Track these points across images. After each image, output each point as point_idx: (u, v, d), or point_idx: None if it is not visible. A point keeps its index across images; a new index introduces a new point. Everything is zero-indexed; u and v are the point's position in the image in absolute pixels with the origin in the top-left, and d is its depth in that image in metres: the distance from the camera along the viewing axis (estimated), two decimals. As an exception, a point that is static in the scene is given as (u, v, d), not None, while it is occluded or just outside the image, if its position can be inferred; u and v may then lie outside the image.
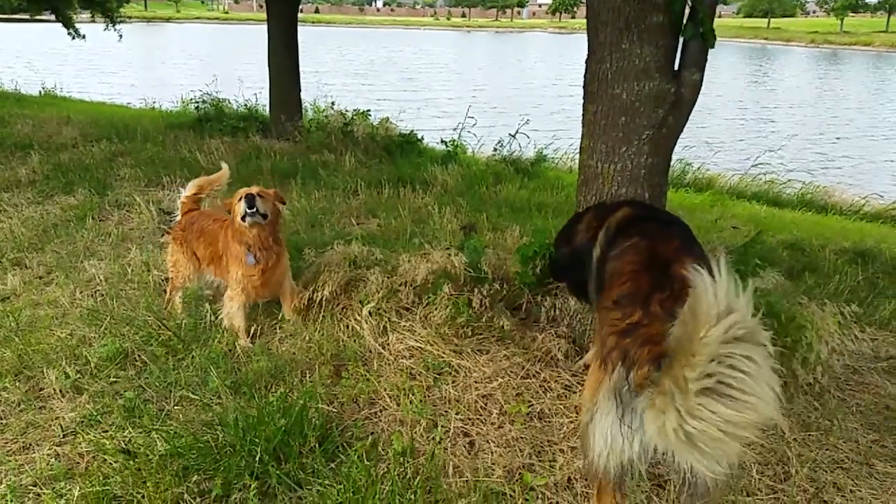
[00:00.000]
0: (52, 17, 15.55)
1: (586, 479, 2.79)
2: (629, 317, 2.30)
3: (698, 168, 10.40)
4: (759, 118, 21.76)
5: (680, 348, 1.88)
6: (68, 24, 14.66)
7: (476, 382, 3.42)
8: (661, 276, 2.43)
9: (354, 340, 3.73)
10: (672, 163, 10.92)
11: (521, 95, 24.25)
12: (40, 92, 15.12)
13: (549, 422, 3.18)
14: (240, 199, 3.57)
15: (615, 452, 2.16)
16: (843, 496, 2.80)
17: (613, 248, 2.79)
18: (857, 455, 3.07)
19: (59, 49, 29.64)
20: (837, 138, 18.91)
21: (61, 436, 2.90)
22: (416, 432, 3.02)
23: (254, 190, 3.63)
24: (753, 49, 55.51)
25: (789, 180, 10.34)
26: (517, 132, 8.80)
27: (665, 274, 2.44)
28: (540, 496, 2.69)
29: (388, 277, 4.07)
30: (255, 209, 3.54)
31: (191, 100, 10.87)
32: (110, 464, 2.65)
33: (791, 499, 2.75)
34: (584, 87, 3.66)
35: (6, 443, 2.87)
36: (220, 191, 4.48)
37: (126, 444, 2.76)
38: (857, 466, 2.99)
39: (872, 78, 37.59)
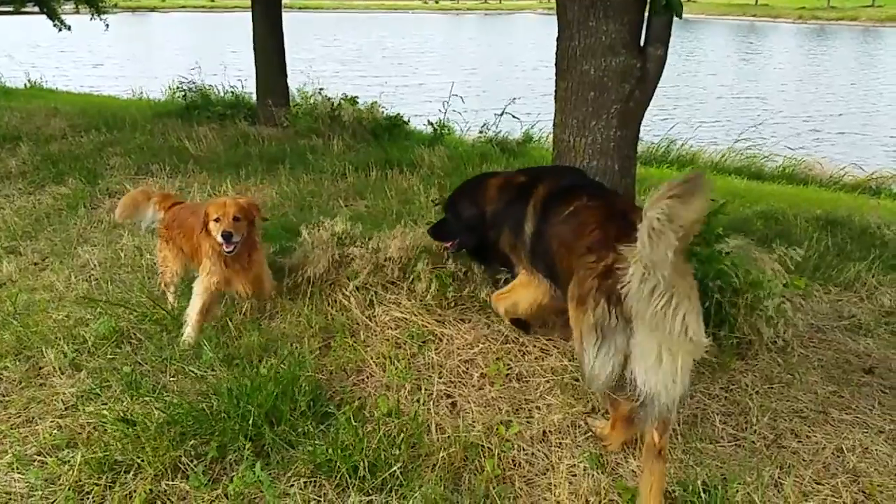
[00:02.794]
0: (36, 10, 15.42)
1: (560, 431, 2.99)
2: (604, 259, 2.60)
3: (682, 145, 10.55)
4: (754, 96, 21.79)
5: None
6: (54, 15, 14.54)
7: (458, 349, 3.60)
8: (624, 224, 2.71)
9: (342, 314, 3.89)
10: (656, 140, 11.01)
11: (512, 78, 24.23)
12: (26, 84, 15.09)
13: (527, 382, 3.37)
14: (216, 219, 3.52)
15: (599, 374, 2.55)
16: (799, 441, 3.01)
17: (554, 213, 3.05)
18: (815, 405, 3.27)
19: (41, 42, 29.35)
20: (830, 115, 19.03)
21: (62, 409, 3.06)
22: (400, 395, 3.20)
23: (230, 209, 3.52)
24: (741, 26, 55.29)
25: (770, 155, 10.50)
26: (503, 112, 8.92)
27: (627, 222, 2.72)
28: (516, 447, 2.88)
29: (373, 253, 4.23)
30: (232, 245, 3.52)
31: (178, 88, 10.89)
32: (111, 432, 2.80)
33: (751, 445, 2.95)
34: (555, 64, 3.81)
35: (9, 417, 3.03)
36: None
37: (125, 414, 2.92)
38: (815, 415, 3.20)
39: (861, 52, 37.67)
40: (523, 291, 3.45)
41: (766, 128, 15.53)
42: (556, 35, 3.84)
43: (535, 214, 3.21)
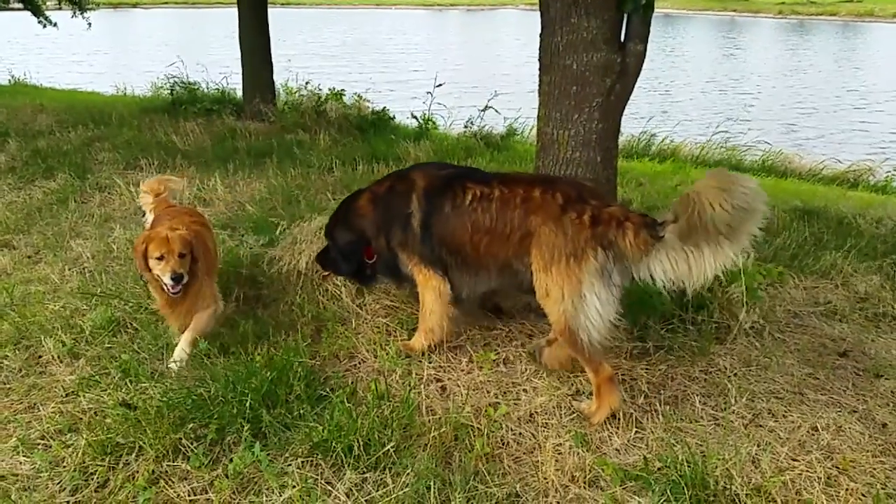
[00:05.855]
0: (17, 7, 15.25)
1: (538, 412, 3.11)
2: (584, 213, 2.90)
3: (663, 139, 10.72)
4: (739, 91, 21.95)
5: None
6: (38, 12, 14.43)
7: (447, 335, 3.71)
8: (567, 184, 3.11)
9: (333, 303, 4.00)
10: (636, 134, 11.13)
11: (498, 74, 24.27)
12: (9, 81, 14.94)
13: (514, 366, 3.49)
14: (158, 257, 3.20)
15: (605, 317, 2.89)
16: (776, 420, 3.15)
17: (453, 203, 3.25)
18: (791, 386, 3.42)
19: (18, 38, 28.93)
20: (813, 108, 19.25)
21: (63, 395, 3.14)
22: (392, 380, 3.31)
23: (176, 246, 3.21)
24: (723, 21, 55.64)
25: (749, 148, 10.69)
26: (486, 107, 9.04)
27: (565, 182, 3.11)
28: (504, 428, 3.00)
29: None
30: (180, 286, 3.24)
31: (163, 84, 10.88)
32: (111, 416, 2.88)
33: (730, 424, 3.09)
34: (538, 59, 3.93)
35: (12, 403, 3.10)
36: (175, 190, 4.35)
37: (125, 399, 2.99)
38: (791, 396, 3.34)
39: (841, 47, 38.16)
40: (431, 295, 3.47)
41: (750, 122, 15.75)
42: (539, 31, 3.95)
43: (421, 207, 3.35)
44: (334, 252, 3.75)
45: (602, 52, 3.61)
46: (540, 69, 3.93)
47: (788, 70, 27.64)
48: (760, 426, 3.10)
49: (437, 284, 3.44)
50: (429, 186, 3.36)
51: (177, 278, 3.19)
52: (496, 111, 9.16)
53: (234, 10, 9.45)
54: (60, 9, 15.77)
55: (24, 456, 2.72)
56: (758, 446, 2.92)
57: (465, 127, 9.32)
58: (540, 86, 3.95)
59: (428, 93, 9.34)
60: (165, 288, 3.26)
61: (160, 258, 3.20)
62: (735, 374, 3.48)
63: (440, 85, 9.43)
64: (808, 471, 2.79)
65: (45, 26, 14.81)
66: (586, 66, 3.64)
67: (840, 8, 56.05)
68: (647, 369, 3.49)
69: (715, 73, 26.23)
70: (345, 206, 3.75)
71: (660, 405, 3.18)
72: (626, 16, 3.69)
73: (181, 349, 3.33)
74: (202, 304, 3.43)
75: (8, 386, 3.22)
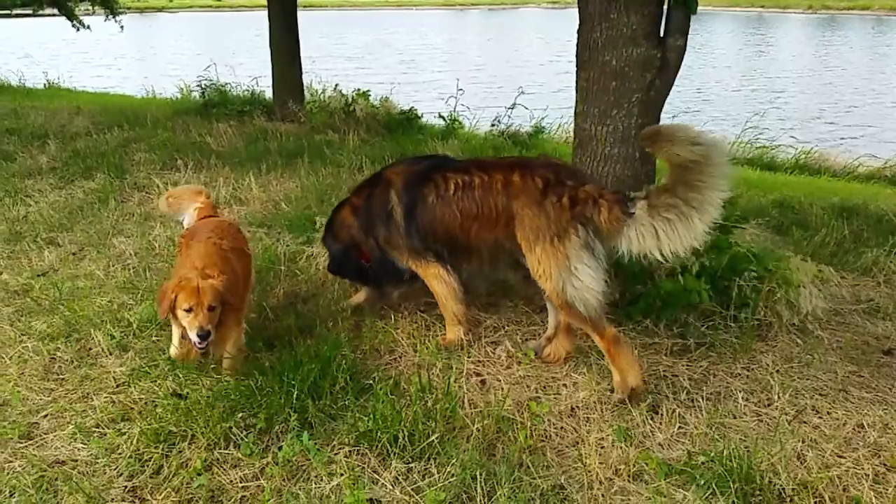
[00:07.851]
0: (47, 12, 15.67)
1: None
2: (563, 195, 3.07)
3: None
4: (771, 89, 21.53)
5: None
6: (72, 16, 14.82)
7: (485, 331, 3.75)
8: (544, 167, 3.22)
9: (372, 298, 4.04)
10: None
11: (522, 74, 24.18)
12: (45, 85, 15.32)
13: (553, 361, 3.49)
14: (187, 309, 2.94)
15: (598, 283, 3.06)
16: (820, 417, 3.11)
17: (428, 196, 3.39)
18: (835, 384, 3.37)
19: (49, 43, 29.58)
20: (853, 105, 18.83)
21: (115, 386, 3.23)
22: (432, 373, 3.34)
23: (206, 298, 2.93)
24: (750, 18, 54.70)
25: (781, 145, 10.53)
26: (514, 104, 9.06)
27: (542, 165, 3.23)
28: (546, 422, 3.01)
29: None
30: (206, 342, 2.98)
31: (196, 85, 11.06)
32: (163, 406, 2.97)
33: (773, 420, 3.06)
34: (576, 55, 3.93)
35: (66, 393, 3.20)
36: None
37: (176, 389, 3.07)
38: (835, 393, 3.30)
39: (878, 43, 37.22)
40: (436, 282, 3.57)
41: (785, 120, 15.48)
42: (563, 29, 3.95)
43: (402, 202, 3.47)
44: (332, 260, 3.93)
45: (642, 48, 3.60)
46: (577, 65, 3.93)
47: (824, 67, 27.04)
48: (805, 423, 3.07)
49: (436, 271, 3.55)
50: (406, 182, 3.49)
51: (204, 336, 2.94)
52: (525, 108, 9.16)
53: (257, 14, 9.60)
54: (93, 13, 16.16)
55: (81, 443, 2.81)
56: (802, 442, 2.90)
57: (492, 125, 9.34)
58: (577, 82, 3.95)
59: (452, 98, 9.41)
60: (192, 342, 3.02)
61: (188, 310, 2.95)
62: (777, 371, 3.45)
63: (462, 90, 9.50)
64: (854, 468, 2.76)
65: (78, 29, 15.20)
66: (626, 62, 3.64)
67: (874, 2, 54.47)
68: (688, 366, 3.48)
69: (747, 70, 25.79)
70: (332, 216, 3.93)
71: (702, 401, 3.16)
72: (665, 10, 3.68)
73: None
74: (225, 336, 3.21)
75: (62, 377, 3.32)
